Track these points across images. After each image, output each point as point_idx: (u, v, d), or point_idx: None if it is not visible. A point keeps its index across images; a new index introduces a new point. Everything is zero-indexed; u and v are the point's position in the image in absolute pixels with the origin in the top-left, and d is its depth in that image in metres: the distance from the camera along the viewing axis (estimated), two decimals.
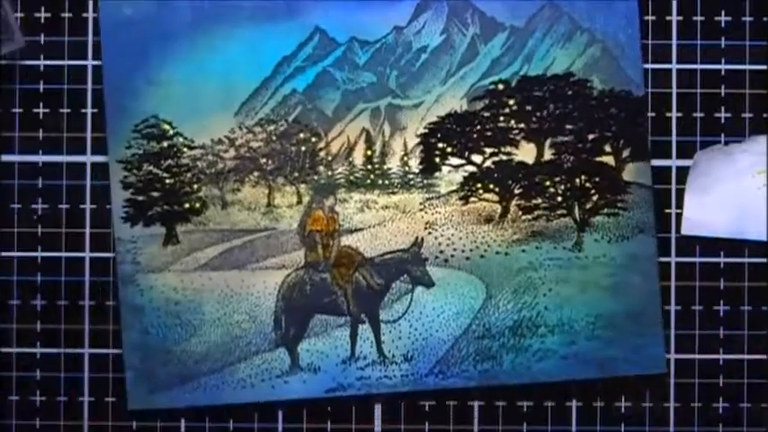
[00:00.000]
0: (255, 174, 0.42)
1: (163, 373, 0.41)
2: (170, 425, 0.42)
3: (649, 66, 0.43)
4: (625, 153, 0.42)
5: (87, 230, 0.43)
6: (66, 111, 0.43)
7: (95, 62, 0.43)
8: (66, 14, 0.43)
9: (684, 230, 0.42)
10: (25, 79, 0.43)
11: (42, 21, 0.43)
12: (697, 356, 0.42)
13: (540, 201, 0.42)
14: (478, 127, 0.43)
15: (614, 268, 0.42)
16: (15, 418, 0.42)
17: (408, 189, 0.42)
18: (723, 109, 0.43)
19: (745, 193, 0.42)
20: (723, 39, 0.43)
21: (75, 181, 0.43)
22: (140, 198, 0.42)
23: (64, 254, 0.43)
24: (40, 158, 0.43)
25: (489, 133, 0.43)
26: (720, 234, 0.42)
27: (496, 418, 0.42)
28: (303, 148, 0.43)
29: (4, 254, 0.43)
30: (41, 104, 0.43)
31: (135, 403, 0.42)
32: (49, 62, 0.43)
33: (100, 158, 0.43)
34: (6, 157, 0.43)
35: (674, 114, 0.43)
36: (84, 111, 0.43)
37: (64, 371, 0.42)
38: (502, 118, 0.43)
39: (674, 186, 0.43)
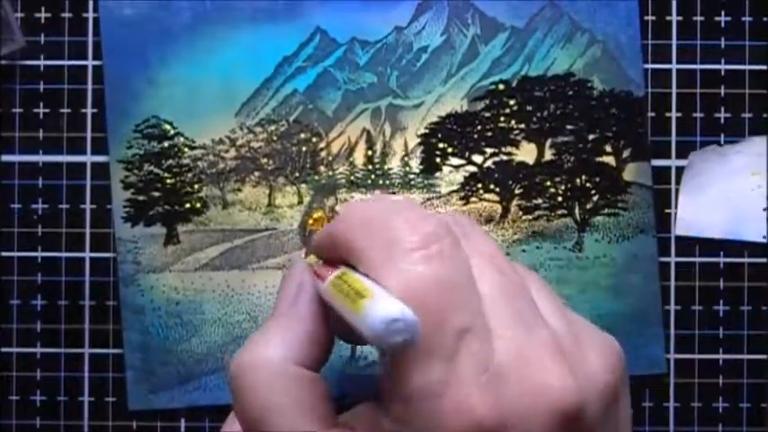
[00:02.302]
0: (256, 174, 0.42)
1: (163, 372, 0.41)
2: (170, 425, 0.42)
3: (649, 66, 0.43)
4: (625, 153, 0.42)
5: (87, 230, 0.43)
6: (66, 111, 0.43)
7: (95, 62, 0.43)
8: (67, 14, 0.43)
9: (679, 230, 0.42)
10: (25, 79, 0.43)
11: (42, 21, 0.43)
12: (697, 356, 0.42)
13: (540, 201, 0.42)
14: (479, 127, 0.43)
15: (615, 268, 0.42)
16: (15, 417, 0.42)
17: (409, 189, 0.42)
18: (723, 109, 0.43)
19: (739, 194, 0.42)
20: (723, 39, 0.43)
21: (75, 181, 0.43)
22: (141, 198, 0.42)
23: (64, 254, 0.43)
24: (40, 158, 0.43)
25: (490, 133, 0.43)
26: (715, 235, 0.42)
27: None
28: (304, 149, 0.43)
29: (4, 254, 0.43)
30: (41, 104, 0.43)
31: (135, 403, 0.42)
32: (49, 62, 0.43)
33: (100, 158, 0.42)
34: (6, 157, 0.43)
35: (673, 114, 0.43)
36: (84, 111, 0.43)
37: (64, 371, 0.42)
38: (502, 118, 0.43)
39: (673, 186, 0.43)
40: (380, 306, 0.20)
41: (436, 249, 0.23)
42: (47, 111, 0.43)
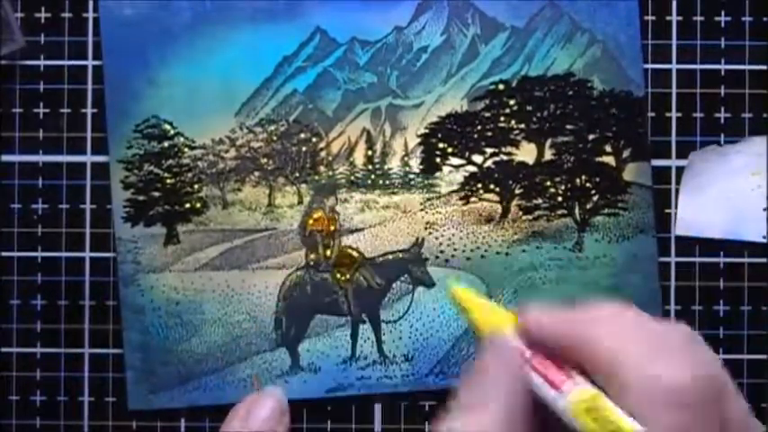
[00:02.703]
0: (256, 174, 0.42)
1: (163, 372, 0.41)
2: (170, 425, 0.42)
3: (649, 66, 0.43)
4: (625, 153, 0.42)
5: (87, 230, 0.43)
6: (66, 111, 0.43)
7: (95, 62, 0.43)
8: (67, 14, 0.43)
9: (679, 230, 0.42)
10: (25, 79, 0.43)
11: (42, 21, 0.43)
12: None
13: (540, 201, 0.42)
14: (479, 127, 0.43)
15: (615, 268, 0.42)
16: (15, 417, 0.42)
17: (409, 189, 0.42)
18: (723, 109, 0.43)
19: (739, 194, 0.42)
20: (723, 39, 0.43)
21: (75, 181, 0.43)
22: (141, 198, 0.42)
23: (64, 254, 0.43)
24: (40, 158, 0.43)
25: (490, 133, 0.43)
26: (715, 234, 0.42)
27: None
28: (304, 148, 0.43)
29: (4, 254, 0.43)
30: (41, 104, 0.43)
31: (135, 403, 0.42)
32: (49, 62, 0.43)
33: (100, 158, 0.42)
34: (6, 157, 0.43)
35: (673, 114, 0.43)
36: (84, 111, 0.43)
37: (64, 371, 0.42)
38: (502, 118, 0.43)
39: (673, 186, 0.43)
40: None
41: (693, 406, 0.21)
42: (47, 111, 0.43)
